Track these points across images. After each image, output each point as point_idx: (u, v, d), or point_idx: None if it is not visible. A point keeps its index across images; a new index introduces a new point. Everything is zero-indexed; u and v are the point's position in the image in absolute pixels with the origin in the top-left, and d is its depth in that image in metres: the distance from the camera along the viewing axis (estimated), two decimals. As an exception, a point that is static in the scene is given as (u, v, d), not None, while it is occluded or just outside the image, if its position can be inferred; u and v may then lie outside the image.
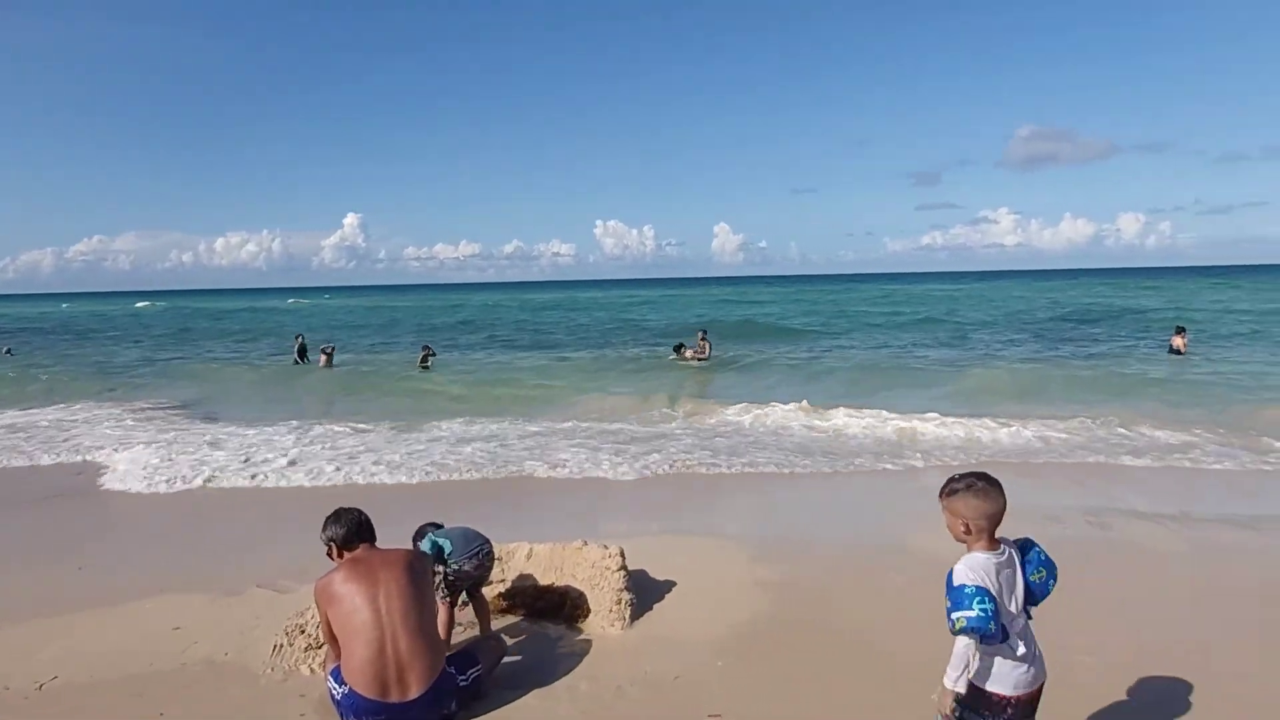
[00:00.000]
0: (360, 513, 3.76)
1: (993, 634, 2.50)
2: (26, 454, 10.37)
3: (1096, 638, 4.29)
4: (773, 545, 5.95)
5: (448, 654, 3.75)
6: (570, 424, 11.93)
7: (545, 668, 4.17)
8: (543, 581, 4.88)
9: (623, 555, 4.81)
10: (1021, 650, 2.60)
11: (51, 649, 4.50)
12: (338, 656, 3.54)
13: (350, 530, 3.67)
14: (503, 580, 4.95)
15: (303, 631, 4.29)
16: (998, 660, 2.60)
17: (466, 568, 4.33)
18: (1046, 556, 2.67)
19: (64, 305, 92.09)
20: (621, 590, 4.66)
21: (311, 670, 4.11)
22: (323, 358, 20.72)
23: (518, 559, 5.03)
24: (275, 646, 4.26)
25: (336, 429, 11.60)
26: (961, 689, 2.57)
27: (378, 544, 3.76)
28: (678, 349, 20.55)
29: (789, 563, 5.54)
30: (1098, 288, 65.44)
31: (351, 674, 3.42)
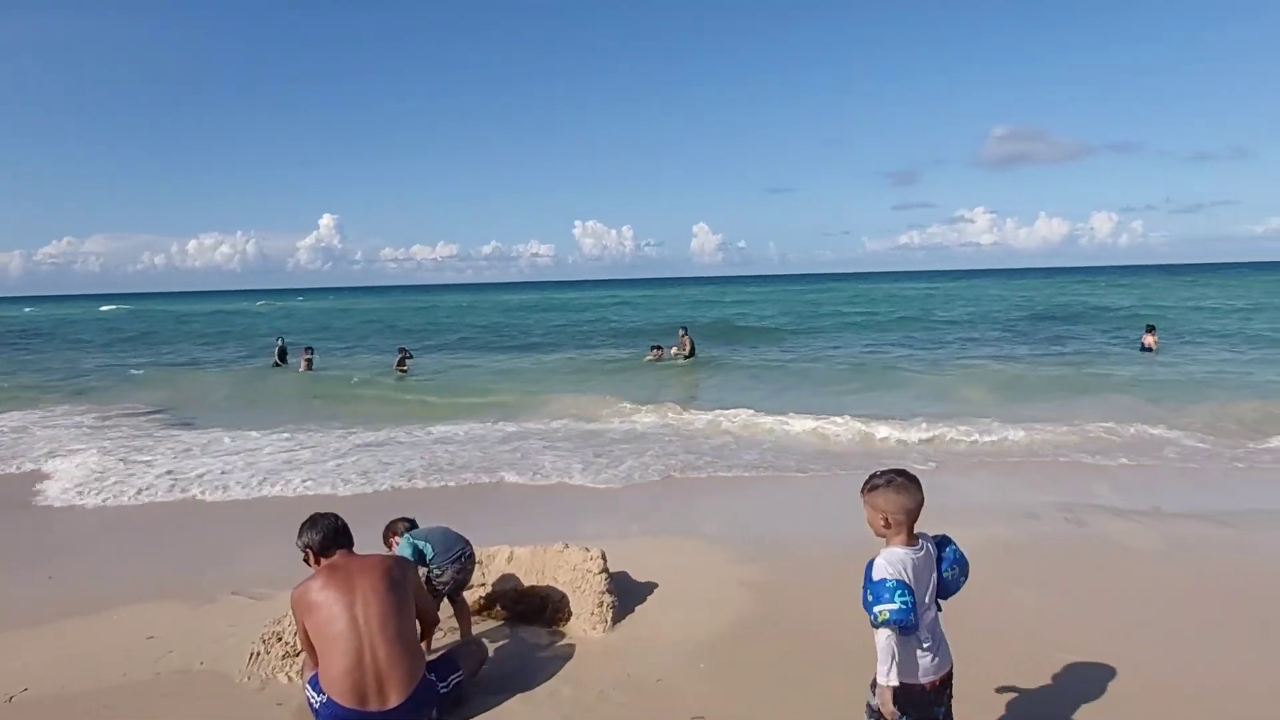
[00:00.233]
0: (337, 518, 3.70)
1: (912, 626, 2.60)
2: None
3: (1072, 633, 4.34)
4: (754, 547, 5.95)
5: (428, 660, 3.71)
6: (548, 426, 11.90)
7: (527, 671, 4.15)
8: (524, 584, 4.86)
9: (604, 558, 4.81)
10: (928, 641, 2.71)
11: (21, 660, 4.41)
12: (316, 665, 3.49)
13: (327, 536, 3.62)
14: (484, 584, 4.92)
15: (280, 639, 4.22)
16: (906, 651, 2.69)
17: (448, 574, 4.29)
18: (961, 554, 2.82)
19: (27, 309, 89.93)
20: (603, 593, 4.65)
21: (289, 678, 4.05)
22: (303, 362, 20.43)
23: (498, 562, 5.00)
24: (252, 654, 4.19)
25: (315, 434, 11.47)
26: (895, 682, 2.63)
27: (356, 550, 3.71)
28: (654, 350, 20.45)
29: (771, 564, 5.55)
30: (1072, 286, 66.30)
31: (330, 683, 3.37)
